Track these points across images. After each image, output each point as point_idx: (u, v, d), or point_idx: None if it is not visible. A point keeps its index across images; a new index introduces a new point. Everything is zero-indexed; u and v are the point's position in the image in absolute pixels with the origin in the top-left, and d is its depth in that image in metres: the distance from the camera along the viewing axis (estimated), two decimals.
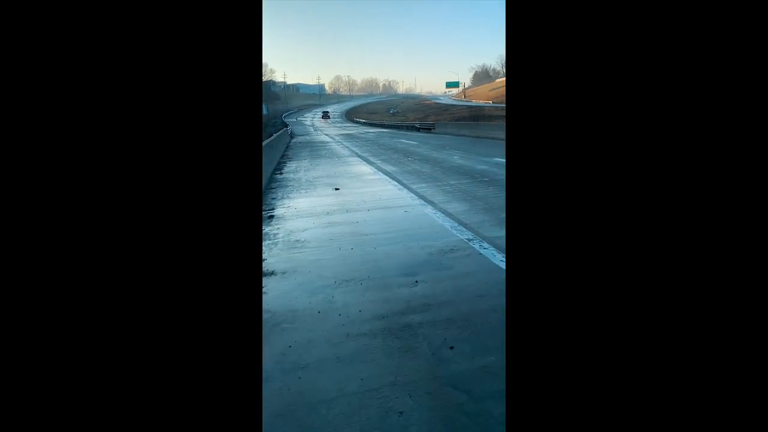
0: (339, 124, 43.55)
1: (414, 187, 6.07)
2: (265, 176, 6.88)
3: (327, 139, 20.50)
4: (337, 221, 4.13)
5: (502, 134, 15.33)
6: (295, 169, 8.61)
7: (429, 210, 4.44)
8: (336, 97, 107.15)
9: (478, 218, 4.10)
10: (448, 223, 3.85)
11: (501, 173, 6.96)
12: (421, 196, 5.32)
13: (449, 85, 73.59)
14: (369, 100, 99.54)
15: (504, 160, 8.86)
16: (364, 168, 8.48)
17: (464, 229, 3.63)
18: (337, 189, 5.99)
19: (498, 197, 5.08)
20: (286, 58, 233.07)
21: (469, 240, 3.31)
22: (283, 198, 5.56)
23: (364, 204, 4.91)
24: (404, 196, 5.28)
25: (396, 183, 6.37)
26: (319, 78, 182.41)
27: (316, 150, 13.66)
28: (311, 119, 52.64)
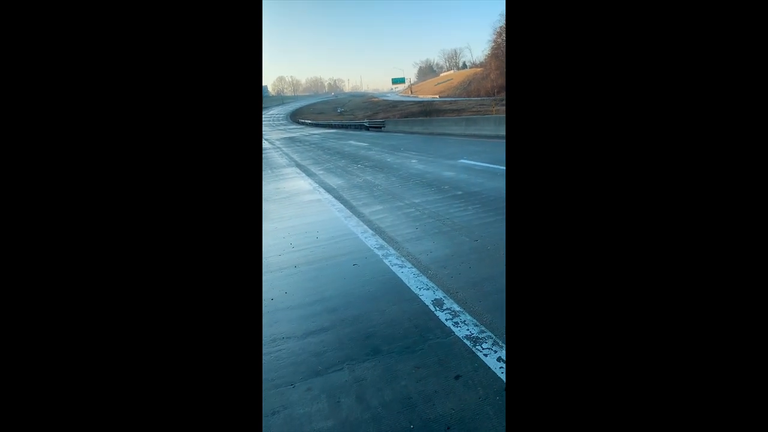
0: (282, 127, 41.01)
1: (367, 212, 4.42)
2: None
3: (265, 145, 18.25)
4: None
5: (458, 130, 14.15)
6: None
7: (393, 260, 2.81)
8: (279, 99, 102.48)
9: (474, 274, 2.54)
10: (428, 295, 2.24)
11: (476, 182, 5.50)
12: (377, 229, 3.68)
13: (395, 81, 72.91)
14: (314, 100, 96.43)
15: (472, 162, 7.57)
16: (302, 183, 6.68)
17: (460, 310, 2.04)
18: None
19: (485, 224, 3.57)
20: None
21: (475, 342, 1.73)
22: None
23: (291, 251, 3.18)
24: (353, 230, 3.61)
25: (341, 206, 4.68)
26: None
27: None
28: None
